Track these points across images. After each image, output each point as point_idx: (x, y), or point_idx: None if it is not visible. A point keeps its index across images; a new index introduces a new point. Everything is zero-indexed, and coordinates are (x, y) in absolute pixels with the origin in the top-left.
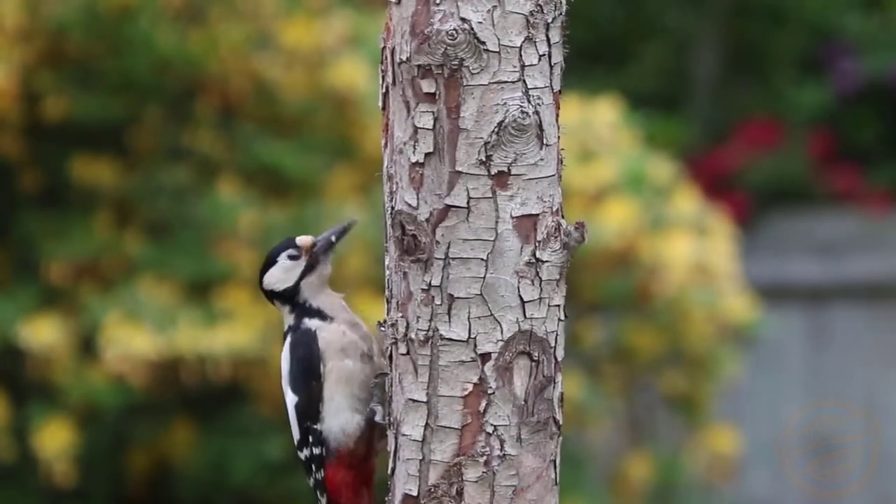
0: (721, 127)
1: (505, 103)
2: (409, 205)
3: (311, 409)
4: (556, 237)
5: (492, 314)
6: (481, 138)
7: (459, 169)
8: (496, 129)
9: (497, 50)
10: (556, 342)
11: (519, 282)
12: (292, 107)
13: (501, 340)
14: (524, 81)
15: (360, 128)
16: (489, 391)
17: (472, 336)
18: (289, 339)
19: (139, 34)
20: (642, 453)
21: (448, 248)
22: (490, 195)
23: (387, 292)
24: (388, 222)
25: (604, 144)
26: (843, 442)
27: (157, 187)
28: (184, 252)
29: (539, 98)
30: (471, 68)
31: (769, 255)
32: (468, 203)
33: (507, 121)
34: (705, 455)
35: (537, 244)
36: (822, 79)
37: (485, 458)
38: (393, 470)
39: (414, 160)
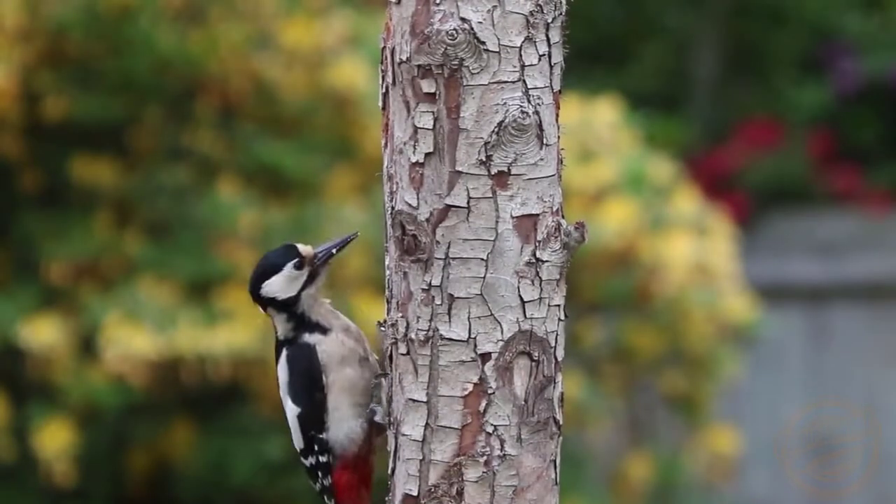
0: (721, 127)
1: (505, 103)
2: (410, 205)
3: (315, 419)
4: (556, 237)
5: (492, 314)
6: (481, 138)
7: (459, 169)
8: (496, 129)
9: (497, 50)
10: (556, 342)
11: (519, 282)
12: (292, 107)
13: (501, 340)
14: (524, 81)
15: (360, 128)
16: (489, 391)
17: (472, 336)
18: (285, 352)
19: (139, 34)
20: (642, 453)
21: (448, 248)
22: (490, 195)
23: (387, 292)
24: (388, 222)
25: (604, 144)
26: (843, 442)
27: (157, 187)
28: (184, 252)
29: (539, 98)
30: (471, 68)
31: (769, 255)
32: (468, 203)
33: (507, 121)
34: (705, 455)
35: (537, 244)
36: (822, 79)
37: (485, 458)
38: (393, 470)
39: (414, 160)
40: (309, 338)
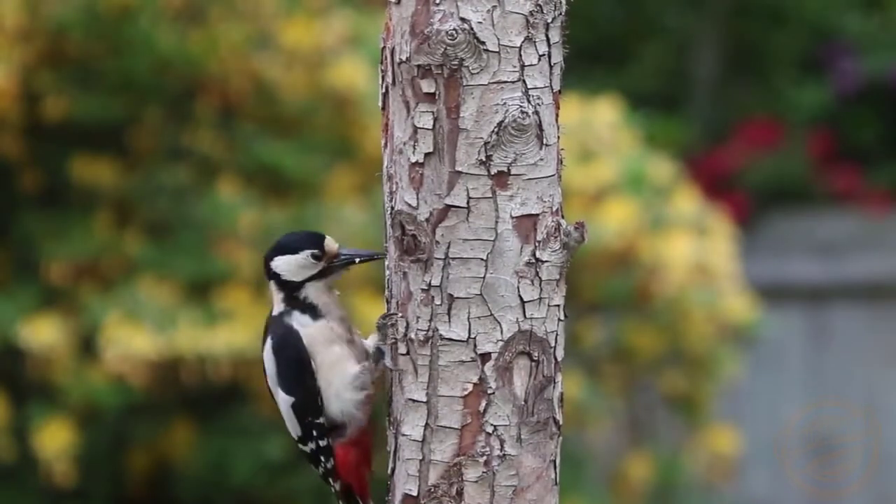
0: (721, 127)
1: (505, 103)
2: (409, 205)
3: (310, 405)
4: (556, 237)
5: (492, 314)
6: (481, 138)
7: (459, 169)
8: (496, 129)
9: (497, 50)
10: (556, 342)
11: (519, 282)
12: (292, 107)
13: (501, 340)
14: (524, 81)
15: (360, 128)
16: (489, 391)
17: (472, 336)
18: (269, 339)
19: (139, 34)
20: (642, 453)
21: (448, 248)
22: (490, 195)
23: (387, 292)
24: (388, 222)
25: (604, 144)
26: (843, 442)
27: (157, 187)
28: (184, 252)
29: (539, 98)
30: (470, 68)
31: (769, 255)
32: (468, 203)
33: (506, 121)
34: (705, 455)
35: (537, 244)
36: (822, 79)
37: (485, 458)
38: (393, 470)
39: (414, 160)
40: (299, 317)
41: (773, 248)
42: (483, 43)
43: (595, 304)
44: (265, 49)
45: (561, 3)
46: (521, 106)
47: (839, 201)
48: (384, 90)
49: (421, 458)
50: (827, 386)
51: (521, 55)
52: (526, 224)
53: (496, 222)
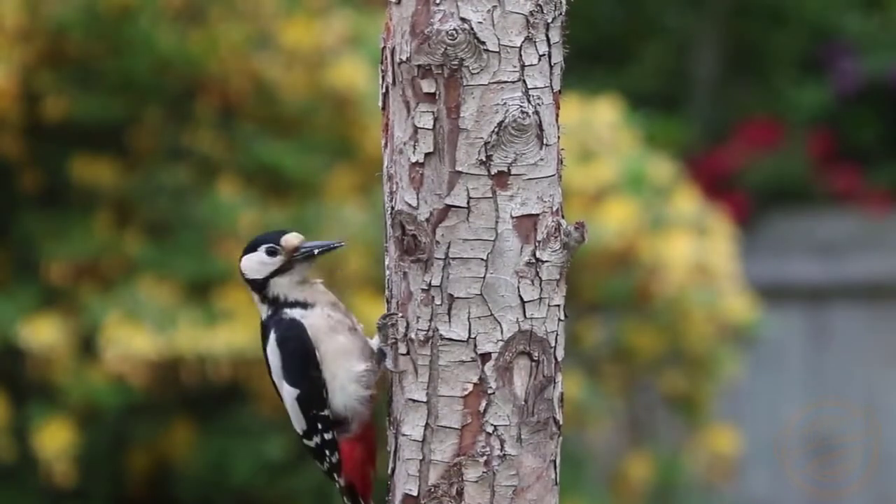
0: (721, 127)
1: (505, 103)
2: (409, 205)
3: (315, 397)
4: (556, 237)
5: (492, 314)
6: (481, 138)
7: (459, 169)
8: (496, 129)
9: (497, 50)
10: (556, 342)
11: (519, 282)
12: (292, 107)
13: (501, 340)
14: (524, 81)
15: (360, 128)
16: (489, 391)
17: (472, 336)
18: (273, 334)
19: (139, 34)
20: (642, 453)
21: (448, 248)
22: (490, 195)
23: (387, 292)
24: (388, 222)
25: (604, 144)
26: (843, 442)
27: (157, 187)
28: (184, 252)
29: (539, 98)
30: (471, 68)
31: (769, 255)
32: (468, 203)
33: (507, 121)
34: (705, 455)
35: (537, 244)
36: (822, 79)
37: (485, 458)
38: (393, 470)
39: (414, 160)
40: (292, 312)
41: (773, 248)
42: (483, 43)
43: (595, 304)
44: (265, 49)
45: (561, 3)
46: (521, 106)
47: (839, 201)
48: (384, 90)
49: (421, 458)
50: (827, 386)
51: (521, 55)
52: (526, 224)
53: (496, 222)
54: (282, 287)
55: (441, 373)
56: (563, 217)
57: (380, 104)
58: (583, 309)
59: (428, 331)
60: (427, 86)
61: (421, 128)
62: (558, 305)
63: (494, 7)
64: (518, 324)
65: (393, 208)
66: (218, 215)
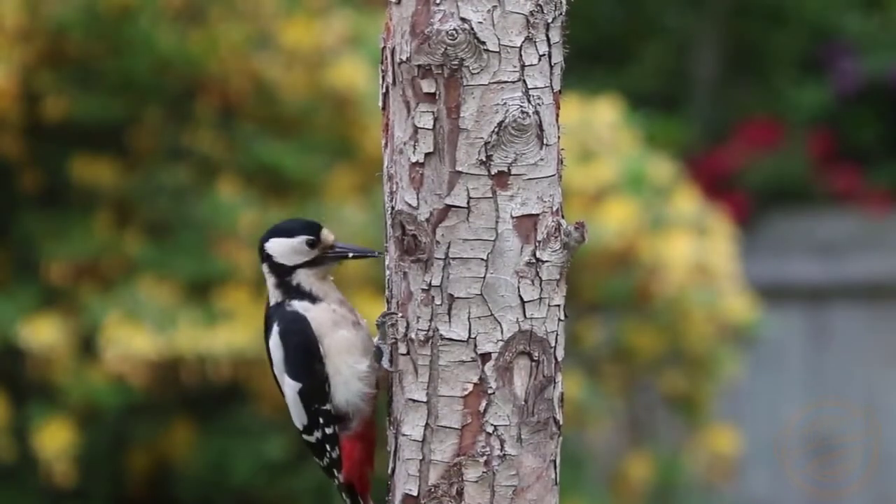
0: (721, 127)
1: (505, 103)
2: (409, 205)
3: (317, 391)
4: (556, 237)
5: (492, 314)
6: (481, 138)
7: (459, 169)
8: (496, 129)
9: (497, 50)
10: (556, 342)
11: (519, 282)
12: (292, 107)
13: (501, 340)
14: (524, 81)
15: (360, 128)
16: (489, 391)
17: (472, 336)
18: (276, 326)
19: (139, 34)
20: (642, 453)
21: (448, 248)
22: (490, 195)
23: (387, 292)
24: (388, 222)
25: (604, 144)
26: (843, 442)
27: (157, 187)
28: (184, 252)
29: (539, 98)
30: (471, 68)
31: (769, 255)
32: (468, 203)
33: (507, 121)
34: (705, 455)
35: (537, 244)
36: (822, 79)
37: (485, 458)
38: (393, 470)
39: (414, 160)
40: (298, 305)
41: (773, 248)
42: (483, 43)
43: (595, 304)
44: (265, 49)
45: (561, 3)
46: (521, 106)
47: (839, 201)
48: (384, 90)
49: (421, 458)
50: (827, 386)
51: (521, 55)
52: (526, 224)
53: (496, 222)
54: (304, 277)
55: (441, 373)
56: (563, 217)
57: (380, 104)
58: (583, 309)
59: (428, 331)
60: (427, 86)
61: (421, 128)
62: (558, 305)
63: (494, 7)
64: (518, 324)
65: (393, 208)
66: (218, 215)
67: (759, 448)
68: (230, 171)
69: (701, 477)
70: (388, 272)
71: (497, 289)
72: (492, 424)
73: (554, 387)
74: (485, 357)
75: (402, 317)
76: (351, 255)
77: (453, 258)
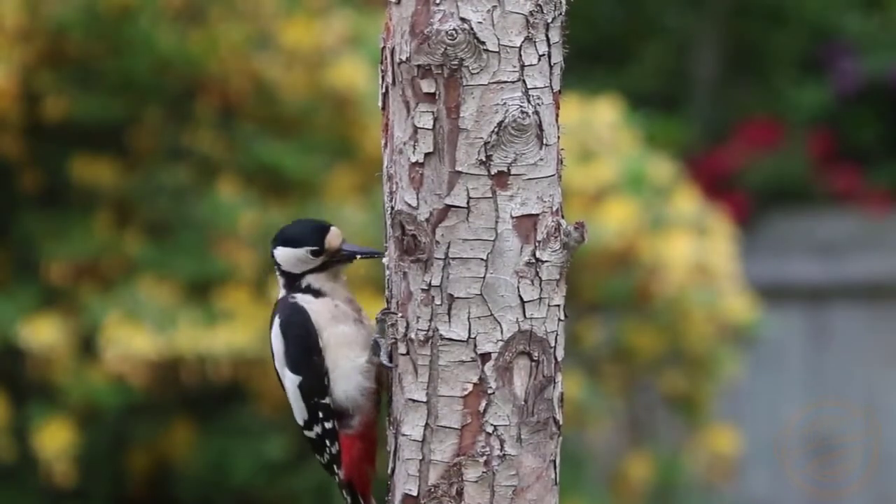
0: (721, 127)
1: (505, 103)
2: (409, 205)
3: (316, 384)
4: (556, 237)
5: (492, 314)
6: (481, 138)
7: (459, 169)
8: (496, 129)
9: (497, 50)
10: (556, 342)
11: (519, 282)
12: (292, 107)
13: (501, 340)
14: (524, 81)
15: (360, 128)
16: (489, 391)
17: (472, 336)
18: (277, 319)
19: (139, 34)
20: (642, 453)
21: (448, 248)
22: (490, 195)
23: (387, 292)
24: (388, 222)
25: (604, 144)
26: (843, 442)
27: (157, 187)
28: (184, 252)
29: (539, 98)
30: (470, 68)
31: (769, 255)
32: (468, 203)
33: (506, 121)
34: (705, 455)
35: (537, 244)
36: (822, 79)
37: (485, 458)
38: (393, 470)
39: (414, 160)
40: (301, 298)
41: (773, 248)
42: (483, 43)
43: (595, 304)
44: (265, 49)
45: (561, 3)
46: (521, 106)
47: (839, 201)
48: (384, 90)
49: (421, 458)
50: (827, 386)
51: (521, 55)
52: (526, 224)
53: (496, 222)
54: (312, 280)
55: (441, 373)
56: (563, 217)
57: (380, 104)
58: (583, 309)
59: (428, 331)
60: (427, 86)
61: (421, 128)
62: (558, 305)
63: (494, 7)
64: (518, 324)
65: (393, 208)
66: (218, 215)
67: (759, 448)
68: (230, 171)
69: (701, 477)
70: (388, 272)
71: (497, 289)
72: (492, 424)
73: (554, 387)
74: (485, 357)
75: (401, 317)
76: (358, 256)
77: (453, 258)
